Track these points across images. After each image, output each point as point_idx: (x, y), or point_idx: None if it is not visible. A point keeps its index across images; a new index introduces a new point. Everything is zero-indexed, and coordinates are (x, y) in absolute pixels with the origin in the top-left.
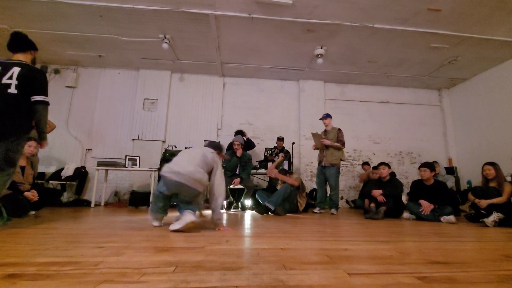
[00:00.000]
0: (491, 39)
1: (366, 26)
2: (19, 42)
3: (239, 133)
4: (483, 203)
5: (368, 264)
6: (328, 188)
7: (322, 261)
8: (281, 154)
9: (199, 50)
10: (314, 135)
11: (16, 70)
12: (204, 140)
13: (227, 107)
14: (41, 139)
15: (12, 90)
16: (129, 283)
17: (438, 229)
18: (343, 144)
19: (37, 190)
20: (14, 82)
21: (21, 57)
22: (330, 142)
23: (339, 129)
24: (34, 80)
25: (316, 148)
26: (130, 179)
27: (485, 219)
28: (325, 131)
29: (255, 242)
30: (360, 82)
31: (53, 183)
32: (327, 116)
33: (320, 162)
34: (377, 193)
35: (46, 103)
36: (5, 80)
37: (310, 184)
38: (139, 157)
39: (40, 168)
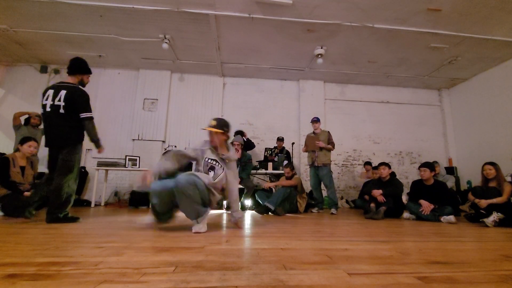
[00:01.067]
0: (491, 39)
1: (366, 26)
2: (70, 66)
3: (239, 133)
4: (483, 203)
5: (368, 264)
6: (325, 189)
7: (322, 261)
8: (272, 184)
9: (199, 50)
10: (310, 137)
11: (63, 93)
12: None
13: (227, 107)
14: (96, 147)
15: (62, 110)
16: (129, 283)
17: (438, 229)
18: (333, 146)
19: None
20: (62, 103)
21: (70, 79)
22: (324, 144)
23: (329, 132)
24: (76, 101)
25: (306, 150)
26: (130, 179)
27: (485, 219)
28: (314, 133)
29: (255, 242)
30: (360, 82)
31: None
32: (317, 120)
33: (312, 163)
34: (377, 193)
35: (90, 118)
36: (56, 102)
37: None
38: (139, 157)
39: (40, 168)
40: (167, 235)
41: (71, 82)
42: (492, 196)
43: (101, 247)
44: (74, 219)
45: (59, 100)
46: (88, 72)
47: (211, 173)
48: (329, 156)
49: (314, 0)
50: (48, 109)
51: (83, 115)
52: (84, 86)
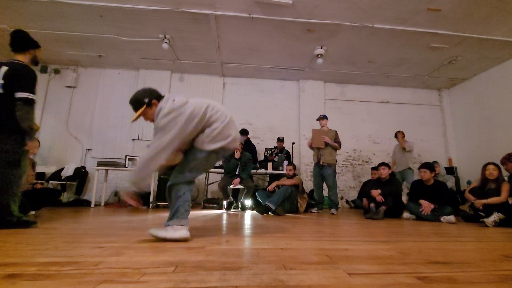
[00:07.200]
0: (491, 39)
1: (366, 26)
2: (16, 41)
3: (244, 132)
4: (477, 203)
5: (368, 264)
6: (327, 189)
7: (322, 261)
8: (274, 184)
9: (199, 50)
10: (316, 131)
11: (3, 70)
12: None
13: (227, 107)
14: (28, 139)
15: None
16: (129, 283)
17: (438, 229)
18: (340, 145)
19: (35, 192)
20: (0, 81)
21: (19, 56)
22: (331, 141)
23: (336, 131)
24: (19, 77)
25: (311, 146)
26: None
27: (485, 219)
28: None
29: (255, 242)
30: (360, 82)
31: (53, 183)
32: (324, 117)
33: (317, 162)
34: (375, 193)
35: (29, 100)
36: None
37: (310, 184)
38: (139, 157)
39: (40, 168)
40: None
41: (21, 60)
42: (489, 196)
43: (101, 247)
44: (28, 223)
45: None
46: (37, 46)
47: None
48: (334, 156)
49: (314, 0)
50: None
51: (22, 94)
52: (37, 64)
